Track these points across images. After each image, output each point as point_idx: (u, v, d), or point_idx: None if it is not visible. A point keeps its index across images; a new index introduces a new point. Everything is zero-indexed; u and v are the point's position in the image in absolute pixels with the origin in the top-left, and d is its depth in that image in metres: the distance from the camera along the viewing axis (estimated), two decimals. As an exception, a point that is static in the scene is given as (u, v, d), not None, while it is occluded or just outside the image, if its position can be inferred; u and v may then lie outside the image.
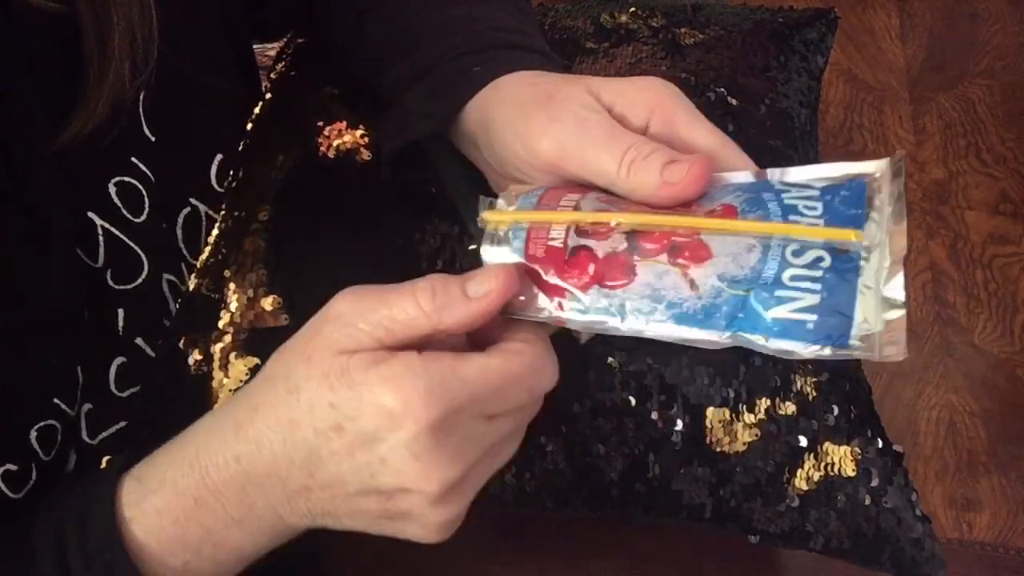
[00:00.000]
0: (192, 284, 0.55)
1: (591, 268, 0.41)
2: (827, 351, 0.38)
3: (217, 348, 0.53)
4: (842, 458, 0.52)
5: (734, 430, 0.52)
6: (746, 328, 0.39)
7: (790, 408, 0.52)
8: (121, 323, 0.52)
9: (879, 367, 1.14)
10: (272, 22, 0.68)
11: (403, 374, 0.38)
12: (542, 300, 0.42)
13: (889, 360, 0.37)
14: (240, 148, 0.61)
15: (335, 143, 0.60)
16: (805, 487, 0.52)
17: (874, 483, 0.52)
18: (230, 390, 0.52)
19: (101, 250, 0.51)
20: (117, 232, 0.51)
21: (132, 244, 0.52)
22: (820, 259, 0.39)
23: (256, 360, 0.52)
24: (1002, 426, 1.05)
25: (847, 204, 0.40)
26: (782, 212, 0.40)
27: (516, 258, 0.42)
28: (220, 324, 0.53)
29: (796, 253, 0.39)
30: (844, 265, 0.38)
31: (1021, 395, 1.07)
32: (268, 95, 0.65)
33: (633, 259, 0.40)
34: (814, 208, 0.40)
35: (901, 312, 0.37)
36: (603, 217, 0.41)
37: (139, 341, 0.54)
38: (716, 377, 0.52)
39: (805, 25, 0.76)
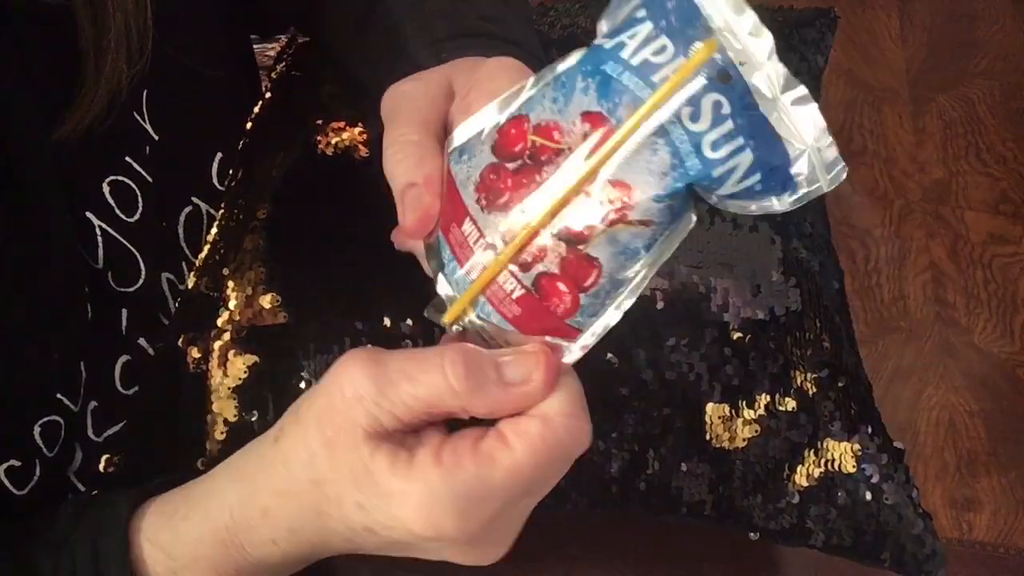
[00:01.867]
0: (191, 283, 0.55)
1: (561, 285, 0.36)
2: (775, 202, 0.35)
3: (216, 346, 0.53)
4: (842, 454, 0.52)
5: (734, 426, 0.52)
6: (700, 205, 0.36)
7: (790, 404, 0.52)
8: (124, 323, 0.53)
9: (879, 367, 1.14)
10: (272, 14, 0.68)
11: (428, 499, 0.35)
12: (563, 345, 0.38)
13: (838, 182, 0.35)
14: (240, 147, 0.61)
15: (333, 140, 0.60)
16: (805, 483, 0.52)
17: (874, 479, 0.52)
18: (228, 388, 0.52)
19: (100, 251, 0.51)
20: (113, 232, 0.51)
21: (128, 244, 0.52)
22: (718, 105, 0.34)
23: (255, 358, 0.52)
24: (1002, 426, 1.05)
25: (682, 20, 0.34)
26: (641, 80, 0.35)
27: None
28: (219, 322, 0.53)
29: (693, 117, 0.34)
30: (739, 100, 0.34)
31: (1021, 395, 1.07)
32: (268, 94, 0.65)
33: (580, 250, 0.36)
34: (660, 45, 0.34)
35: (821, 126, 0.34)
36: (522, 237, 0.36)
37: (141, 341, 0.54)
38: (716, 373, 0.52)
39: (805, 24, 0.76)
